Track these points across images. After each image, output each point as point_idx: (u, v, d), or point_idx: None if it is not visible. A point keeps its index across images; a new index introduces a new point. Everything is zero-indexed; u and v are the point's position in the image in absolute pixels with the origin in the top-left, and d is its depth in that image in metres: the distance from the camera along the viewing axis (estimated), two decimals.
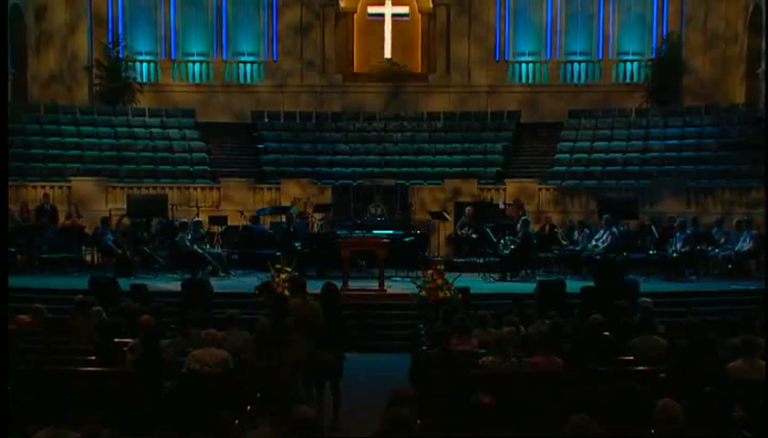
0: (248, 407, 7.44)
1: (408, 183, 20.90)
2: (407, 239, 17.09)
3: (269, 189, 21.11)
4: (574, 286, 13.56)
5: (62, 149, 22.27)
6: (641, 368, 7.94)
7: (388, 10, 25.41)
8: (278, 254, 15.05)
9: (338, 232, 16.86)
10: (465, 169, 22.23)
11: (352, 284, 14.34)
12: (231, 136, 24.57)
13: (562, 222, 19.32)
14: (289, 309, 8.63)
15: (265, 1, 25.79)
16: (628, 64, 25.49)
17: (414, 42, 25.94)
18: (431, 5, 25.50)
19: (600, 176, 21.59)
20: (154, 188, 20.58)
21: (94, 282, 13.14)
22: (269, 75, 25.78)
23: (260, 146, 23.70)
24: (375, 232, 16.58)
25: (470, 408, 5.65)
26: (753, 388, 6.86)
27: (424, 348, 9.47)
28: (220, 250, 17.35)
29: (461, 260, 17.67)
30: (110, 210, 19.00)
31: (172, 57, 25.73)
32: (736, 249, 16.70)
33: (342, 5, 25.58)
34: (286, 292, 13.05)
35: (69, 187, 20.34)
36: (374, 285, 14.51)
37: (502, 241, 16.58)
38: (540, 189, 20.88)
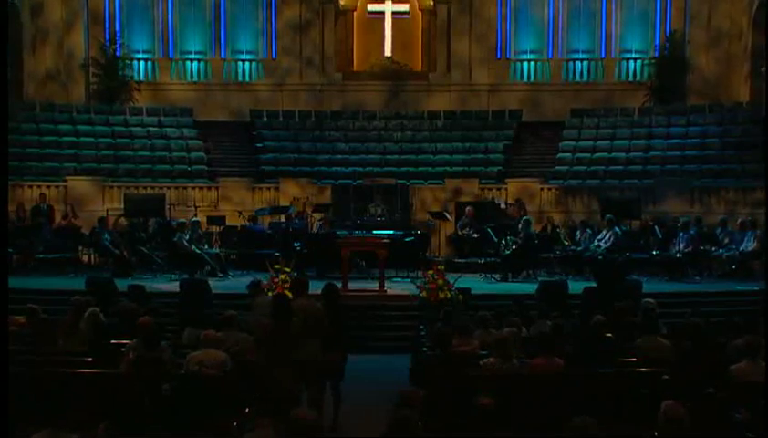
0: (247, 409, 7.44)
1: (408, 183, 20.91)
2: (407, 239, 17.11)
3: (268, 188, 21.11)
4: (576, 286, 13.58)
5: (58, 148, 22.26)
6: (644, 369, 7.94)
7: (388, 8, 25.41)
8: (277, 254, 15.07)
9: (338, 232, 16.85)
10: (466, 168, 22.23)
11: (352, 284, 14.36)
12: (229, 135, 24.57)
13: (564, 222, 19.33)
14: (292, 310, 8.64)
15: None
16: (631, 62, 25.48)
17: (414, 40, 25.94)
18: (432, 3, 25.50)
19: (603, 176, 21.59)
20: (152, 187, 20.58)
21: (91, 283, 13.14)
22: (268, 73, 25.79)
23: (259, 145, 23.70)
24: (375, 232, 16.59)
25: (470, 409, 5.66)
26: (757, 390, 6.86)
27: (425, 349, 9.49)
28: (218, 250, 17.38)
29: (462, 260, 17.69)
30: (107, 210, 19.00)
31: (170, 55, 25.73)
32: (740, 249, 16.71)
33: (342, 2, 25.58)
34: (288, 293, 13.09)
35: (66, 187, 20.34)
36: (374, 285, 14.52)
37: (503, 241, 16.59)
38: (542, 189, 20.88)
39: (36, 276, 16.35)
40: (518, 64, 25.76)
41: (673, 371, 7.62)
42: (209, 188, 21.13)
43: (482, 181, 21.24)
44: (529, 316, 10.52)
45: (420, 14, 25.80)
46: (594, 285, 13.70)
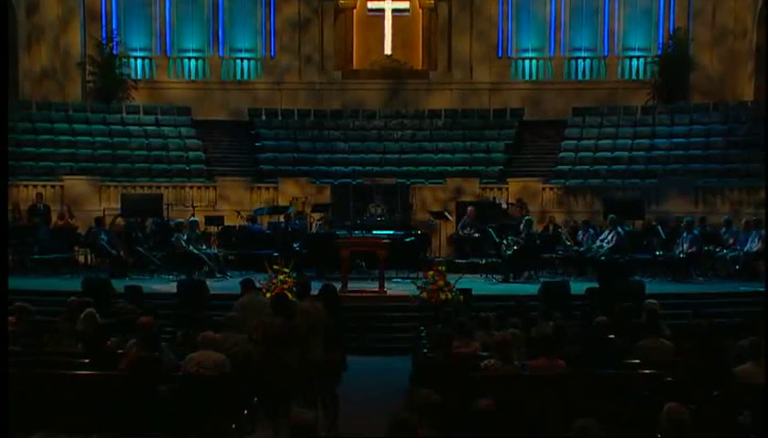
0: (245, 411, 7.46)
1: (408, 183, 20.91)
2: (407, 239, 17.12)
3: (267, 188, 21.12)
4: (578, 287, 13.60)
5: (54, 147, 22.26)
6: (647, 371, 7.95)
7: (388, 5, 25.41)
8: (276, 254, 15.09)
9: (338, 232, 16.88)
10: (467, 168, 22.24)
11: (352, 285, 14.38)
12: (227, 134, 24.57)
13: (566, 222, 19.33)
14: (294, 310, 8.66)
15: None
16: (634, 60, 25.47)
17: (415, 38, 25.95)
18: (432, 1, 25.50)
19: (605, 175, 21.60)
20: (149, 187, 20.60)
21: (87, 283, 13.16)
22: (266, 71, 25.79)
23: (257, 144, 23.71)
24: (375, 232, 16.63)
25: (470, 411, 5.67)
26: (762, 392, 6.86)
27: (425, 350, 9.49)
28: (216, 251, 17.38)
29: (463, 261, 17.70)
30: (104, 210, 19.00)
31: (167, 53, 25.72)
32: (745, 250, 16.70)
33: (341, 0, 25.59)
34: (287, 294, 13.10)
35: (62, 186, 20.34)
36: (374, 286, 14.54)
37: (504, 241, 16.60)
38: (543, 188, 20.89)
39: (33, 276, 16.36)
40: (519, 62, 25.76)
41: (676, 373, 7.63)
42: (207, 188, 21.14)
43: (484, 180, 21.25)
44: (531, 317, 10.53)
45: (421, 11, 25.80)
46: (596, 285, 13.71)
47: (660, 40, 25.08)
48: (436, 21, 25.66)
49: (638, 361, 8.32)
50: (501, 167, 22.33)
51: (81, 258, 17.89)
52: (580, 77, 25.59)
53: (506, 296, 13.89)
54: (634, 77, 25.37)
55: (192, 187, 20.96)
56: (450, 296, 13.16)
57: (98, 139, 22.79)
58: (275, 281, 13.49)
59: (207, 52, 25.79)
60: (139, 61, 25.52)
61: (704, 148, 22.00)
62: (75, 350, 8.70)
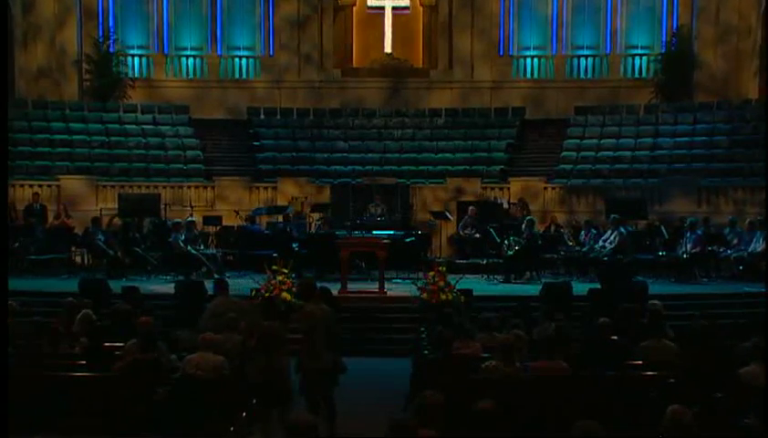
0: (243, 413, 7.47)
1: (409, 182, 20.92)
2: (408, 240, 17.12)
3: (265, 188, 21.11)
4: (580, 288, 13.60)
5: (50, 146, 22.26)
6: (650, 373, 7.96)
7: (388, 3, 25.41)
8: (275, 255, 15.08)
9: (337, 232, 16.87)
10: (468, 167, 22.24)
11: (351, 286, 14.39)
12: (226, 133, 24.57)
13: (568, 222, 19.33)
14: (279, 312, 8.68)
15: None
16: (637, 58, 25.47)
17: (415, 36, 25.95)
18: None
19: (608, 175, 21.59)
20: (146, 187, 20.60)
21: (84, 284, 13.17)
22: (265, 70, 25.79)
23: (256, 143, 23.71)
24: (375, 232, 16.61)
25: (471, 413, 5.67)
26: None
27: (426, 352, 9.50)
28: (214, 251, 17.38)
29: (464, 261, 17.69)
30: (101, 209, 19.00)
31: (165, 51, 25.72)
32: (749, 250, 16.69)
33: None
34: (286, 295, 13.12)
35: (58, 186, 20.34)
36: (374, 287, 14.54)
37: (506, 242, 16.60)
38: (545, 188, 20.89)
39: (29, 277, 16.36)
40: (521, 60, 25.76)
41: (679, 375, 7.64)
42: (205, 187, 21.14)
43: (485, 180, 21.24)
44: (532, 318, 10.53)
45: (421, 9, 25.81)
46: (599, 286, 13.71)
47: (664, 38, 25.08)
48: (437, 19, 25.66)
49: (640, 363, 8.33)
50: (502, 166, 22.33)
51: (78, 259, 17.90)
52: (582, 75, 25.60)
53: (507, 297, 13.91)
54: (637, 75, 25.37)
55: (189, 187, 20.96)
56: (450, 297, 13.15)
57: (95, 138, 22.77)
58: (273, 282, 13.49)
59: (205, 50, 25.79)
60: (136, 59, 25.52)
61: (708, 147, 21.99)
62: (72, 352, 8.70)
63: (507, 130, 23.92)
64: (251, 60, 25.90)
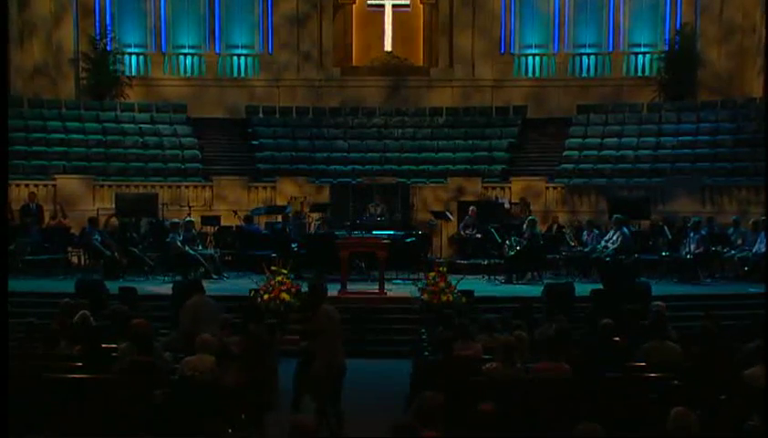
0: (242, 415, 7.47)
1: (409, 182, 20.92)
2: (408, 240, 17.13)
3: (264, 187, 21.12)
4: (583, 289, 13.60)
5: (47, 145, 22.25)
6: (653, 374, 7.96)
7: (388, 0, 25.41)
8: (274, 255, 15.08)
9: (337, 232, 16.87)
10: (469, 166, 22.25)
11: (351, 287, 14.40)
12: (224, 132, 24.57)
13: (570, 222, 19.32)
14: (262, 316, 8.70)
15: None
16: (640, 56, 25.47)
17: (416, 34, 25.94)
18: None
19: (610, 174, 21.59)
20: (144, 186, 20.61)
21: (81, 285, 13.17)
22: (264, 68, 25.79)
23: (254, 143, 23.71)
24: (375, 232, 16.61)
25: (472, 415, 5.68)
26: None
27: (426, 353, 9.50)
28: (212, 251, 17.38)
29: (465, 262, 17.70)
30: (98, 209, 19.00)
31: (163, 49, 25.73)
32: (753, 251, 16.69)
33: None
34: (285, 295, 13.12)
35: (54, 186, 20.35)
36: (374, 287, 14.54)
37: (507, 242, 16.61)
38: (547, 187, 20.89)
39: (25, 278, 16.35)
40: (523, 58, 25.75)
41: (683, 377, 7.64)
42: (203, 187, 21.14)
43: (486, 179, 21.24)
44: (534, 319, 10.53)
45: (422, 7, 25.80)
46: (601, 287, 13.71)
47: (667, 36, 25.08)
48: (437, 16, 25.66)
49: (643, 364, 8.32)
50: (503, 166, 22.33)
51: (74, 259, 17.90)
52: (585, 73, 25.59)
53: (509, 297, 13.90)
54: (640, 73, 25.37)
55: (187, 186, 20.96)
56: (451, 297, 13.17)
57: (92, 137, 22.77)
58: (272, 282, 13.49)
59: (203, 48, 25.79)
60: (133, 57, 25.51)
61: (712, 146, 21.99)
62: (68, 353, 8.70)
63: (508, 129, 23.93)
64: (249, 59, 25.89)
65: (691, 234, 16.50)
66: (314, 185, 20.88)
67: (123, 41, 25.26)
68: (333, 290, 14.11)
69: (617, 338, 8.97)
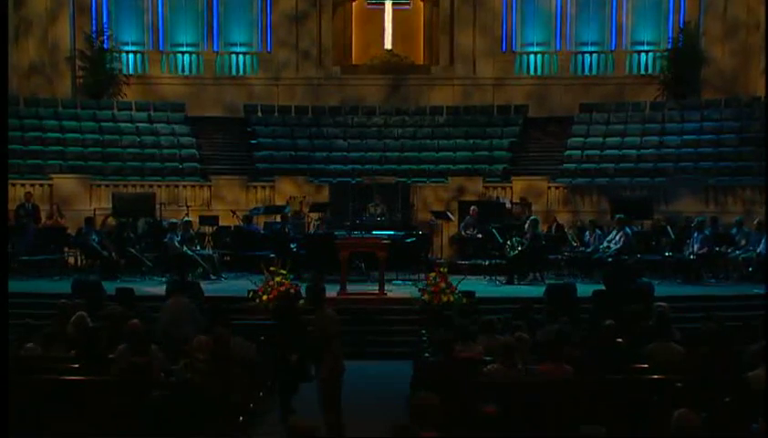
0: (240, 417, 7.47)
1: (409, 181, 20.91)
2: (408, 240, 17.12)
3: (263, 187, 21.11)
4: (585, 289, 13.60)
5: (43, 144, 22.26)
6: (656, 376, 7.95)
7: None
8: (272, 256, 15.08)
9: (336, 232, 16.87)
10: (470, 166, 22.24)
11: (351, 287, 14.39)
12: (222, 131, 24.57)
13: (572, 222, 19.33)
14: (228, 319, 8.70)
15: None
16: (643, 55, 25.48)
17: (416, 32, 25.95)
18: None
19: (613, 173, 21.59)
20: (141, 186, 20.61)
21: (77, 285, 13.15)
22: (263, 66, 25.79)
23: (253, 142, 23.71)
24: (375, 232, 16.61)
25: (474, 417, 5.68)
26: None
27: (427, 354, 9.50)
28: (211, 252, 17.38)
29: (466, 262, 17.70)
30: (95, 209, 19.00)
31: (160, 47, 25.73)
32: (757, 251, 16.68)
33: None
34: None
35: (51, 185, 20.34)
36: (374, 288, 14.53)
37: (508, 242, 16.60)
38: (549, 187, 20.87)
39: (21, 278, 16.34)
40: (524, 57, 25.75)
41: (687, 379, 7.63)
42: (201, 187, 21.13)
43: (487, 179, 21.23)
44: (536, 320, 10.53)
45: (422, 4, 25.81)
46: (603, 288, 13.71)
47: (670, 34, 25.08)
48: (438, 14, 25.66)
49: (647, 366, 8.32)
50: (505, 165, 22.33)
51: (71, 260, 17.89)
52: (587, 72, 25.60)
53: (510, 298, 13.88)
54: (643, 72, 25.38)
55: (185, 186, 20.96)
56: (452, 298, 13.16)
57: (89, 136, 22.77)
58: (271, 283, 13.49)
59: (201, 46, 25.80)
60: (130, 56, 25.52)
61: (716, 145, 21.98)
62: (65, 355, 8.70)
63: (510, 128, 23.92)
64: (248, 57, 25.90)
65: (695, 235, 16.50)
66: (313, 185, 20.88)
67: (120, 39, 25.27)
68: (332, 291, 14.17)
69: (619, 340, 8.97)
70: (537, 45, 25.77)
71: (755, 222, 17.47)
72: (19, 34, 24.63)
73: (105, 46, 24.63)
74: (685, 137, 22.46)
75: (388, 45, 25.54)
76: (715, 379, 7.51)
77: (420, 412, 5.46)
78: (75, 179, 20.56)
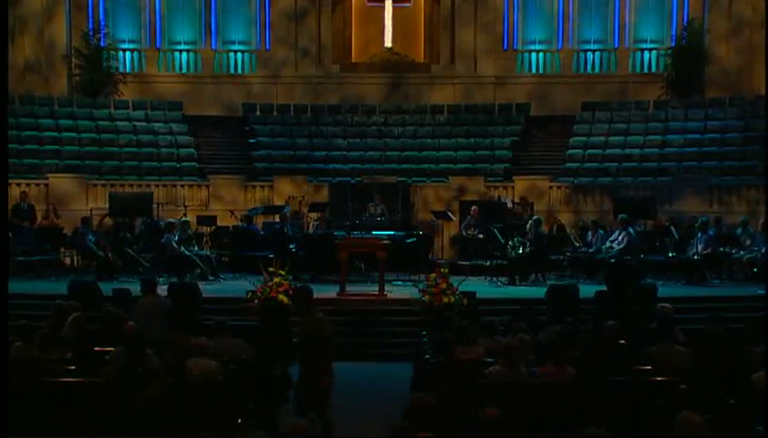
0: (239, 419, 7.45)
1: (410, 181, 20.92)
2: (408, 240, 17.13)
3: (261, 187, 21.13)
4: (587, 290, 13.58)
5: (38, 144, 22.27)
6: (660, 378, 7.95)
7: None
8: (271, 256, 15.08)
9: (335, 233, 16.88)
10: (471, 165, 22.25)
11: (350, 288, 14.38)
12: (220, 130, 24.58)
13: (574, 222, 19.35)
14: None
15: None
16: (646, 52, 25.50)
17: (416, 30, 25.96)
18: None
19: (616, 173, 21.61)
20: (138, 186, 20.64)
21: (74, 286, 13.15)
22: (261, 65, 25.80)
23: (252, 141, 23.72)
24: (374, 233, 16.62)
25: (475, 421, 5.68)
26: None
27: (427, 356, 9.50)
28: (209, 252, 17.37)
29: (467, 263, 17.72)
30: (91, 209, 19.01)
31: (158, 45, 25.74)
32: (763, 251, 16.68)
33: None
34: (283, 297, 13.09)
35: (47, 185, 20.36)
36: (374, 289, 14.53)
37: (510, 242, 16.60)
38: (551, 187, 20.89)
39: (16, 279, 16.33)
40: (526, 55, 25.77)
41: (691, 381, 7.63)
42: (199, 186, 21.14)
43: (488, 178, 21.25)
44: (538, 321, 10.53)
45: (423, 2, 25.82)
46: (606, 289, 13.70)
47: (674, 31, 25.10)
48: (439, 12, 25.67)
49: (650, 368, 8.32)
50: (506, 165, 22.34)
51: (67, 260, 17.91)
52: (590, 70, 25.61)
53: (512, 299, 13.92)
54: (646, 70, 25.40)
55: (183, 186, 20.98)
56: (453, 299, 13.14)
57: (85, 135, 22.79)
58: (270, 284, 13.48)
59: (199, 44, 25.83)
60: (127, 54, 25.54)
61: (720, 144, 21.99)
62: (61, 357, 8.69)
63: (511, 127, 23.94)
64: (246, 55, 25.91)
65: (699, 235, 16.49)
66: (312, 184, 20.88)
67: (117, 37, 25.30)
68: (332, 292, 14.18)
69: (622, 341, 8.96)
70: (539, 43, 25.79)
71: (760, 221, 17.46)
72: (15, 31, 24.63)
73: (102, 43, 24.65)
74: (689, 136, 22.47)
75: (388, 43, 25.56)
76: (719, 381, 7.50)
77: (415, 413, 5.47)
78: (71, 178, 20.58)
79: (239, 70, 25.89)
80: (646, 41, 25.55)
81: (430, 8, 25.83)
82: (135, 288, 13.90)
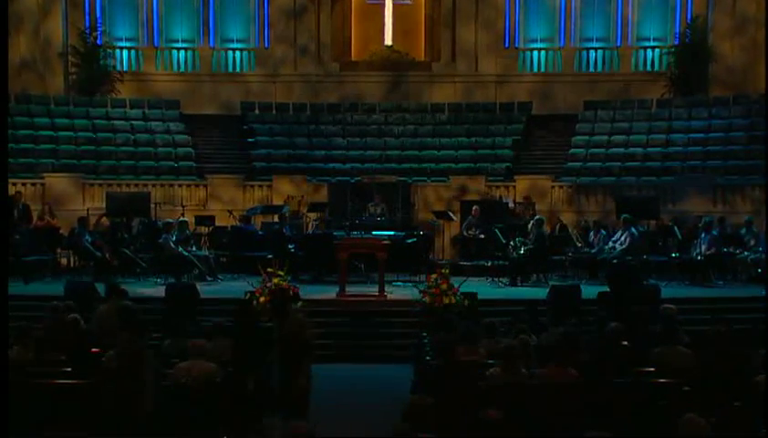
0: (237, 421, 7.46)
1: (410, 180, 20.92)
2: (409, 241, 17.12)
3: (260, 186, 21.14)
4: (590, 291, 13.60)
5: (34, 143, 22.27)
6: (663, 380, 7.95)
7: None
8: (270, 256, 15.08)
9: (335, 233, 16.88)
10: (472, 165, 22.26)
11: (350, 289, 14.39)
12: (218, 129, 24.58)
13: (577, 222, 19.34)
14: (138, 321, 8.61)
15: None
16: (649, 51, 25.48)
17: (417, 27, 25.95)
18: None
19: (618, 172, 21.61)
20: (135, 185, 20.65)
21: (70, 287, 13.15)
22: (260, 63, 25.80)
23: (250, 140, 23.72)
24: (374, 233, 16.63)
25: (477, 423, 5.69)
26: None
27: (428, 358, 9.50)
28: (207, 252, 17.38)
29: (468, 263, 17.72)
30: (88, 209, 18.99)
31: (155, 43, 25.74)
32: (767, 252, 16.68)
33: None
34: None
35: (43, 184, 20.37)
36: (374, 290, 14.54)
37: (512, 243, 16.61)
38: (553, 186, 20.90)
39: (12, 280, 16.30)
40: (528, 53, 25.76)
41: (694, 383, 7.63)
42: (197, 186, 21.15)
43: (489, 178, 21.25)
44: (540, 323, 10.53)
45: None
46: (609, 289, 13.71)
47: (677, 29, 25.09)
48: (439, 9, 25.67)
49: (653, 370, 8.32)
50: (508, 164, 22.34)
51: (64, 261, 17.88)
52: (592, 68, 25.60)
53: (514, 300, 13.93)
54: (649, 68, 25.39)
55: (181, 185, 20.99)
56: (454, 300, 13.15)
57: (82, 134, 22.79)
58: (269, 284, 13.48)
59: (197, 42, 25.82)
60: (124, 52, 25.53)
61: (724, 143, 21.98)
62: (57, 358, 8.69)
63: (513, 125, 23.94)
64: (245, 53, 25.91)
65: (703, 235, 16.49)
66: (311, 184, 20.89)
67: (114, 35, 25.29)
68: (331, 293, 14.19)
69: (625, 343, 8.97)
70: (541, 41, 25.78)
71: (765, 222, 17.46)
72: (10, 29, 24.56)
73: (98, 41, 24.66)
74: (692, 135, 22.47)
75: (388, 41, 25.56)
76: (723, 383, 7.51)
77: (414, 414, 5.48)
78: (67, 178, 20.58)
79: (237, 69, 25.89)
80: (649, 39, 25.54)
81: (430, 6, 25.82)
82: (133, 289, 13.96)
